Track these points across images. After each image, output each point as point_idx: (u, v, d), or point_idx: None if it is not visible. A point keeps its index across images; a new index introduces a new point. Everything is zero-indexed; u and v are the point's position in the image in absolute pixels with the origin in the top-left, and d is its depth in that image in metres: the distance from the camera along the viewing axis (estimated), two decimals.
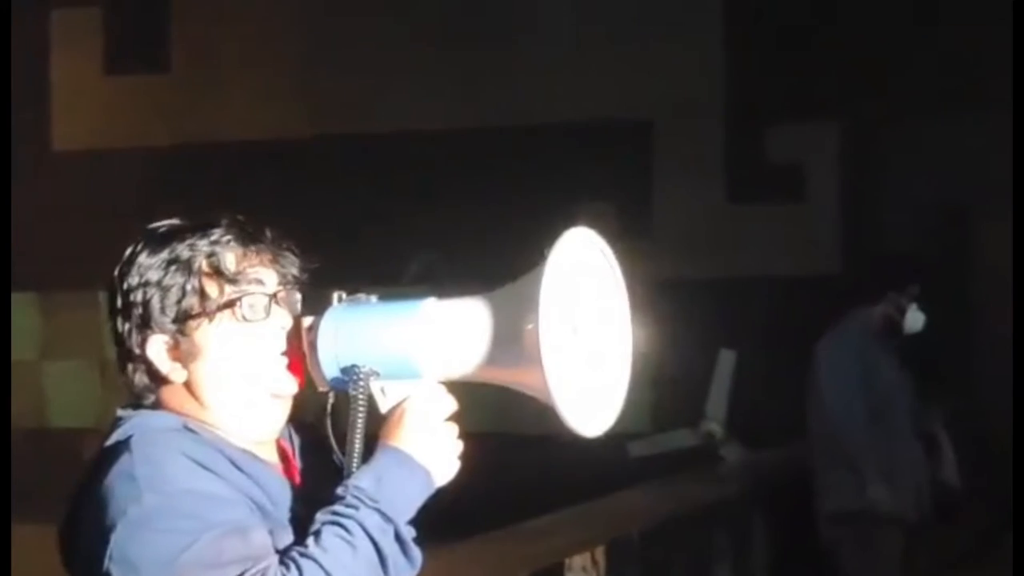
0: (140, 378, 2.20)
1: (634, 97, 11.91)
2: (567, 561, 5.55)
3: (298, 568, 1.99)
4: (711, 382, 9.09)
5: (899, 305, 6.31)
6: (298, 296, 2.24)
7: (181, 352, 2.17)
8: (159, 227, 2.22)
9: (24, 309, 13.80)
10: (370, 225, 11.88)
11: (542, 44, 12.10)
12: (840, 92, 11.20)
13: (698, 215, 11.72)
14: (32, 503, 11.20)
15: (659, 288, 10.97)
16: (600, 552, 5.66)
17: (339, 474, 2.14)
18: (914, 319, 6.31)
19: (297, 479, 2.26)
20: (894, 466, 6.24)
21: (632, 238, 11.50)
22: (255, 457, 2.18)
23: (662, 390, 9.95)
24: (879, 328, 6.34)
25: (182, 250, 2.17)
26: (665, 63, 11.82)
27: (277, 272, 2.22)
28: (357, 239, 11.34)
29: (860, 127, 11.32)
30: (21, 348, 13.85)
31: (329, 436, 2.17)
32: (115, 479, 2.07)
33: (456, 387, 2.19)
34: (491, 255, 11.24)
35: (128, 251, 2.21)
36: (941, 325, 6.55)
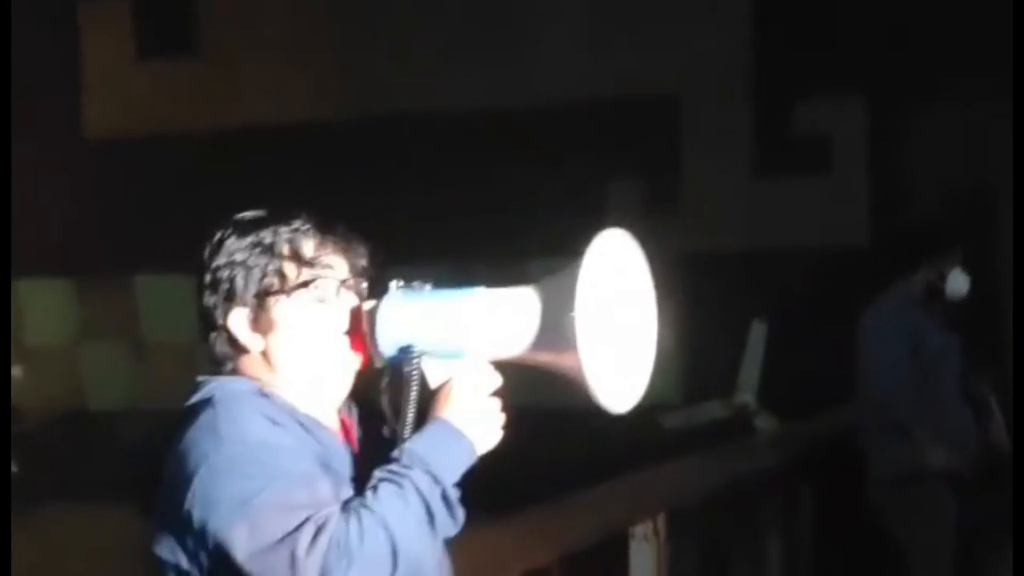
0: (221, 347, 2.47)
1: (660, 71, 11.92)
2: (631, 530, 5.66)
3: (357, 517, 2.22)
4: (743, 354, 9.13)
5: (940, 270, 6.34)
6: (365, 284, 2.50)
7: (259, 324, 2.44)
8: (245, 216, 2.50)
9: (59, 294, 13.92)
10: (400, 206, 11.93)
11: (567, 20, 12.13)
12: (867, 64, 11.20)
13: (725, 189, 11.74)
14: (71, 484, 11.34)
15: (687, 262, 11.01)
16: (661, 520, 5.75)
17: (390, 444, 2.38)
18: (956, 283, 6.33)
19: (355, 447, 2.51)
20: (944, 430, 6.29)
21: (659, 212, 11.54)
22: (319, 422, 2.44)
23: (694, 363, 9.98)
24: (922, 295, 6.38)
25: (266, 235, 2.45)
26: (691, 36, 11.83)
27: (348, 262, 2.49)
28: (389, 220, 11.40)
29: (887, 99, 11.31)
30: (57, 333, 13.97)
31: (384, 407, 2.40)
32: (199, 431, 2.34)
33: (505, 363, 2.42)
34: (520, 232, 11.33)
35: (216, 236, 2.48)
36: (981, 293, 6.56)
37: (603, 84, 11.98)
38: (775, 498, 7.28)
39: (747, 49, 11.78)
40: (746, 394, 8.96)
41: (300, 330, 2.43)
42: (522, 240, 10.88)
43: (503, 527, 4.74)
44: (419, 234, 11.28)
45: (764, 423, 8.80)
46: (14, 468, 11.08)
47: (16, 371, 11.67)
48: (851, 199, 11.45)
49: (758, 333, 9.19)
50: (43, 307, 13.96)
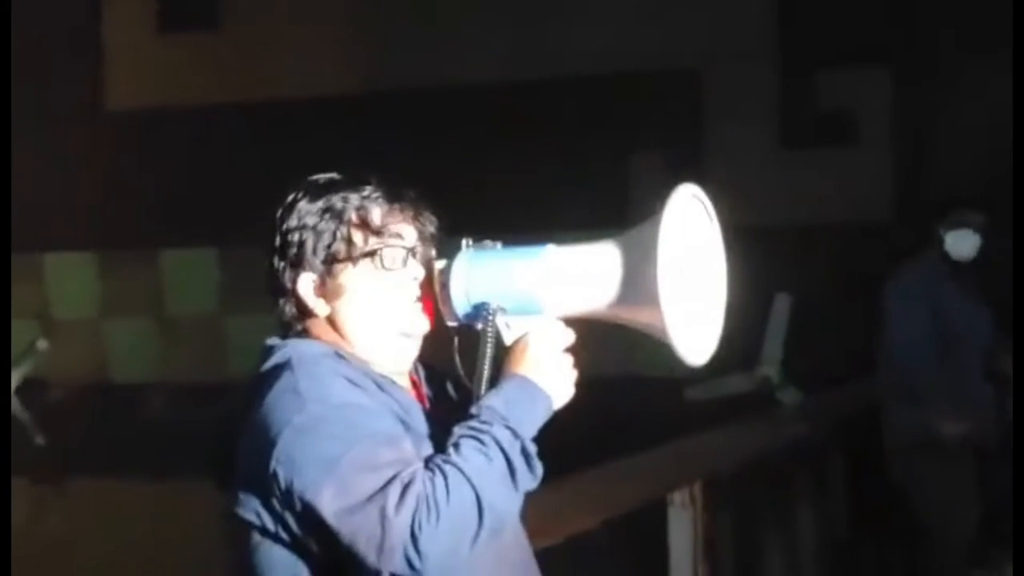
0: (290, 310, 2.48)
1: (684, 44, 11.90)
2: (669, 496, 5.72)
3: (443, 473, 2.25)
4: (766, 327, 9.12)
5: (939, 235, 6.32)
6: (433, 252, 2.50)
7: (326, 290, 2.45)
8: (319, 178, 2.50)
9: (83, 268, 13.97)
10: (422, 179, 11.94)
11: None
12: (892, 37, 11.16)
13: (749, 161, 11.72)
14: (96, 455, 11.41)
15: None
16: (697, 488, 5.81)
17: (459, 402, 2.45)
18: (957, 244, 6.30)
19: (426, 405, 2.52)
20: (963, 402, 6.29)
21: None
22: (394, 381, 2.46)
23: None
24: (939, 263, 6.37)
25: (336, 200, 2.45)
26: (716, 9, 11.81)
27: (416, 229, 2.49)
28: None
29: (912, 72, 11.28)
30: (81, 306, 14.03)
31: (457, 365, 2.43)
32: (279, 394, 2.35)
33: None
34: (545, 203, 11.33)
35: (290, 197, 2.47)
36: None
37: (627, 56, 11.96)
38: (806, 468, 7.33)
39: (772, 22, 11.75)
40: (769, 367, 8.95)
41: (366, 297, 2.45)
42: (547, 211, 10.89)
43: (551, 493, 4.84)
44: (441, 206, 11.29)
45: (787, 396, 8.80)
46: (40, 440, 11.17)
47: (42, 344, 11.74)
48: (876, 171, 11.43)
49: (782, 305, 9.17)
50: (69, 281, 14.02)
